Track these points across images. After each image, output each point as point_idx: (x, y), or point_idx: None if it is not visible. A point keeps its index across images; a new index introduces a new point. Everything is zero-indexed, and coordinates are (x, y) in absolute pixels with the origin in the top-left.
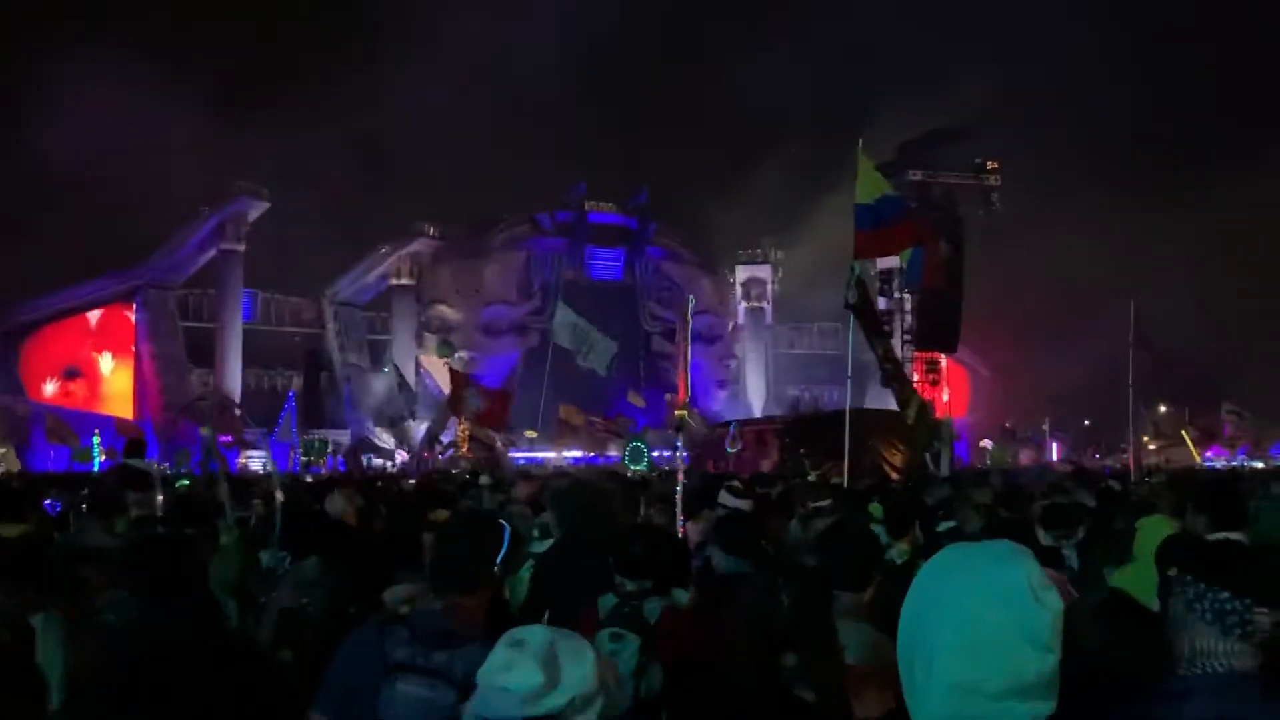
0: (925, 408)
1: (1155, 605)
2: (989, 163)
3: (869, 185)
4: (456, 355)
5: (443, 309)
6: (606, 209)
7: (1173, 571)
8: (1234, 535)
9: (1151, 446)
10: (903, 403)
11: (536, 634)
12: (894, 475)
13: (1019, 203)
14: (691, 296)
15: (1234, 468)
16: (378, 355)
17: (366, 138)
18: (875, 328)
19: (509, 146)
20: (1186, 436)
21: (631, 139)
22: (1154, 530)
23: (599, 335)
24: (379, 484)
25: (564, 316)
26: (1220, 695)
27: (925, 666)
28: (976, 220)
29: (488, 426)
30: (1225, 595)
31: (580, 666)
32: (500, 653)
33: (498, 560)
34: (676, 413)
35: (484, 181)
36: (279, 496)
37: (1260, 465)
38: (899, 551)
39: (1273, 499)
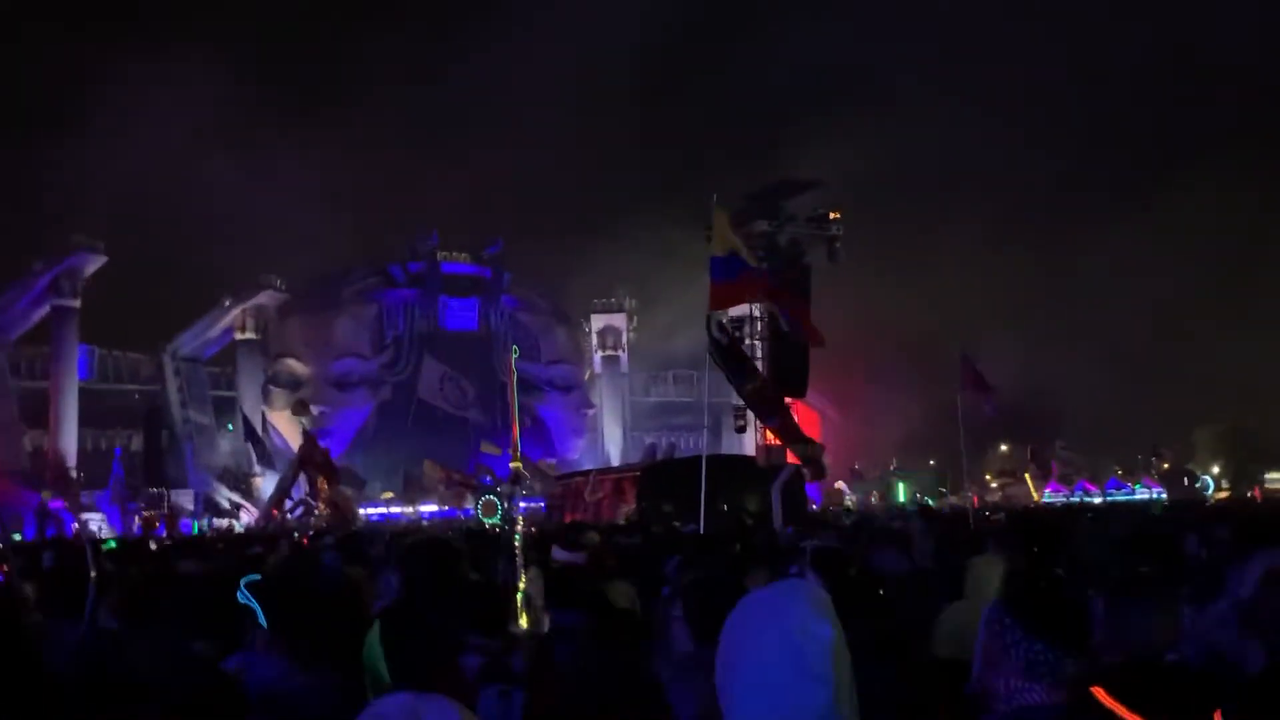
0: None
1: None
2: (832, 213)
3: (723, 238)
4: (307, 411)
5: (291, 363)
6: (460, 259)
7: (991, 610)
8: (1057, 570)
9: (994, 485)
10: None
11: (395, 702)
12: (749, 520)
13: (864, 251)
14: (516, 346)
15: (1069, 504)
16: (222, 412)
17: (207, 188)
18: (740, 368)
19: (360, 198)
20: (1028, 476)
21: (483, 191)
22: (984, 568)
23: (459, 380)
24: (220, 546)
25: (422, 364)
26: None
27: (728, 706)
28: (822, 268)
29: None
30: (1040, 646)
31: None
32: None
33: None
34: (512, 465)
35: (333, 233)
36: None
37: (1096, 501)
38: None
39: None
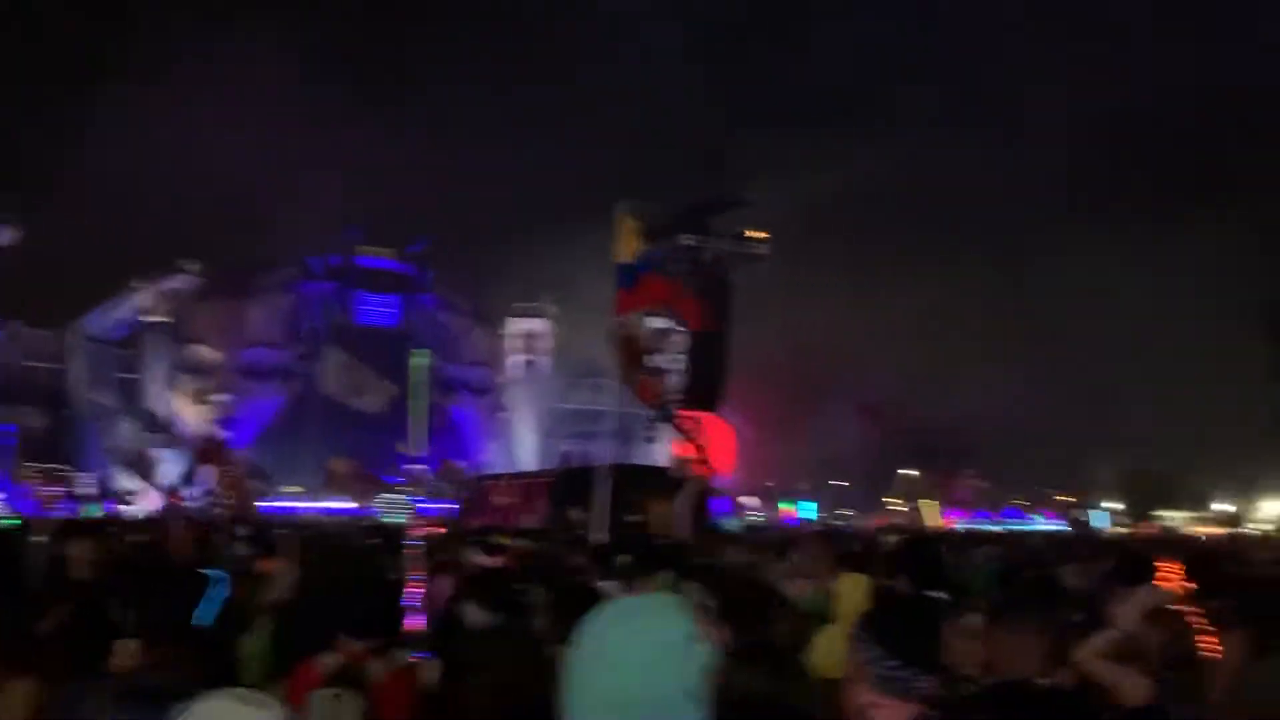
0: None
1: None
2: (757, 233)
3: (628, 245)
4: (214, 399)
5: (201, 350)
6: (383, 254)
7: (856, 628)
8: (935, 593)
9: (900, 508)
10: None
11: (209, 704)
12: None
13: (787, 272)
14: (420, 351)
15: (970, 531)
16: (128, 394)
17: (127, 166)
18: (636, 361)
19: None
20: (923, 502)
21: (410, 189)
22: (850, 587)
23: (373, 377)
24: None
25: (334, 358)
26: None
27: (581, 713)
28: (744, 286)
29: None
30: (895, 663)
31: None
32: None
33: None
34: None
35: (254, 222)
36: None
37: (993, 529)
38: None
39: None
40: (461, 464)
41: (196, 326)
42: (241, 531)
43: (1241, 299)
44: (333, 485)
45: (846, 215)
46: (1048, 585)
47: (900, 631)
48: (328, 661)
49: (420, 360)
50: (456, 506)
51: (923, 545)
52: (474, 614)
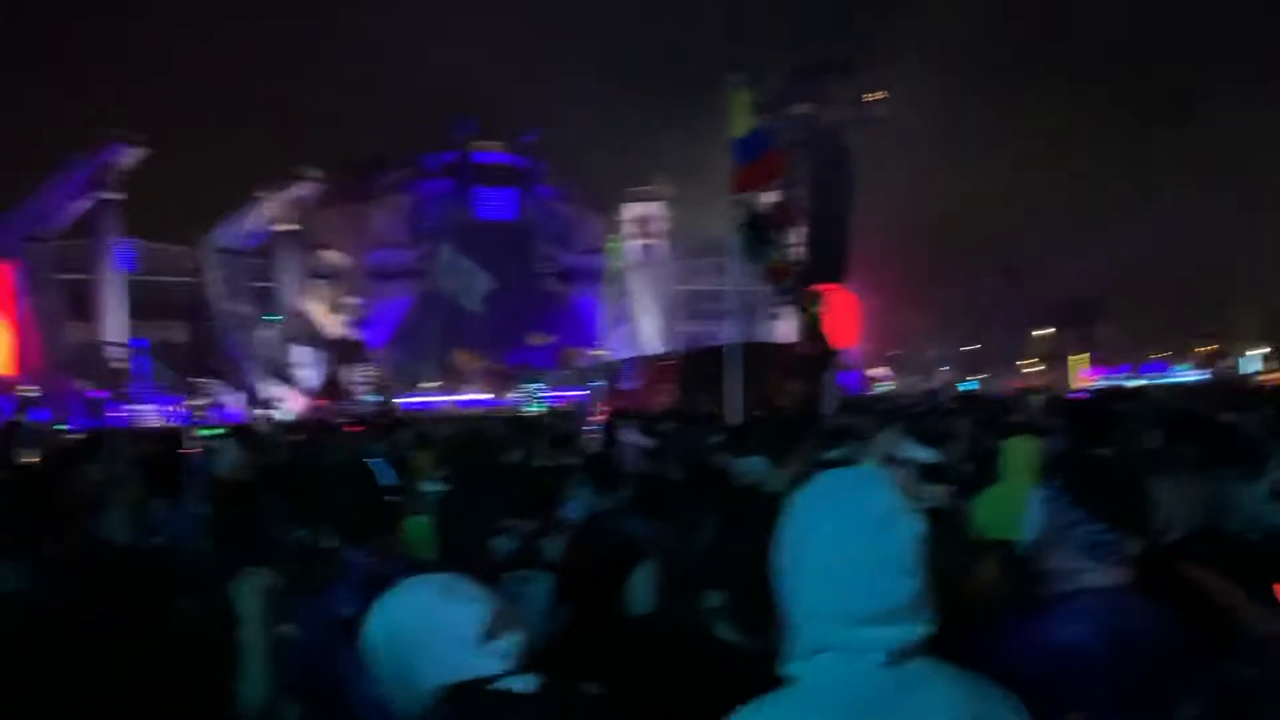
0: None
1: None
2: (876, 94)
3: (743, 120)
4: (346, 302)
5: (330, 254)
6: (494, 148)
7: (1048, 490)
8: (1102, 451)
9: (1034, 369)
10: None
11: (433, 579)
12: (784, 405)
13: (908, 133)
14: (614, 236)
15: (1111, 388)
16: (263, 302)
17: (245, 80)
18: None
19: (394, 86)
20: (1072, 359)
21: (519, 77)
22: (1018, 450)
23: (476, 271)
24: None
25: (446, 257)
26: (1097, 611)
27: (793, 595)
28: (864, 151)
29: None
30: (1101, 528)
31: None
32: (431, 599)
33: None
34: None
35: (368, 122)
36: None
37: (1140, 383)
38: (779, 480)
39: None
40: (584, 351)
41: (323, 231)
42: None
43: None
44: (465, 379)
45: (975, 66)
46: (1211, 435)
47: (1105, 493)
48: (505, 545)
49: (548, 250)
50: (582, 394)
51: (1085, 402)
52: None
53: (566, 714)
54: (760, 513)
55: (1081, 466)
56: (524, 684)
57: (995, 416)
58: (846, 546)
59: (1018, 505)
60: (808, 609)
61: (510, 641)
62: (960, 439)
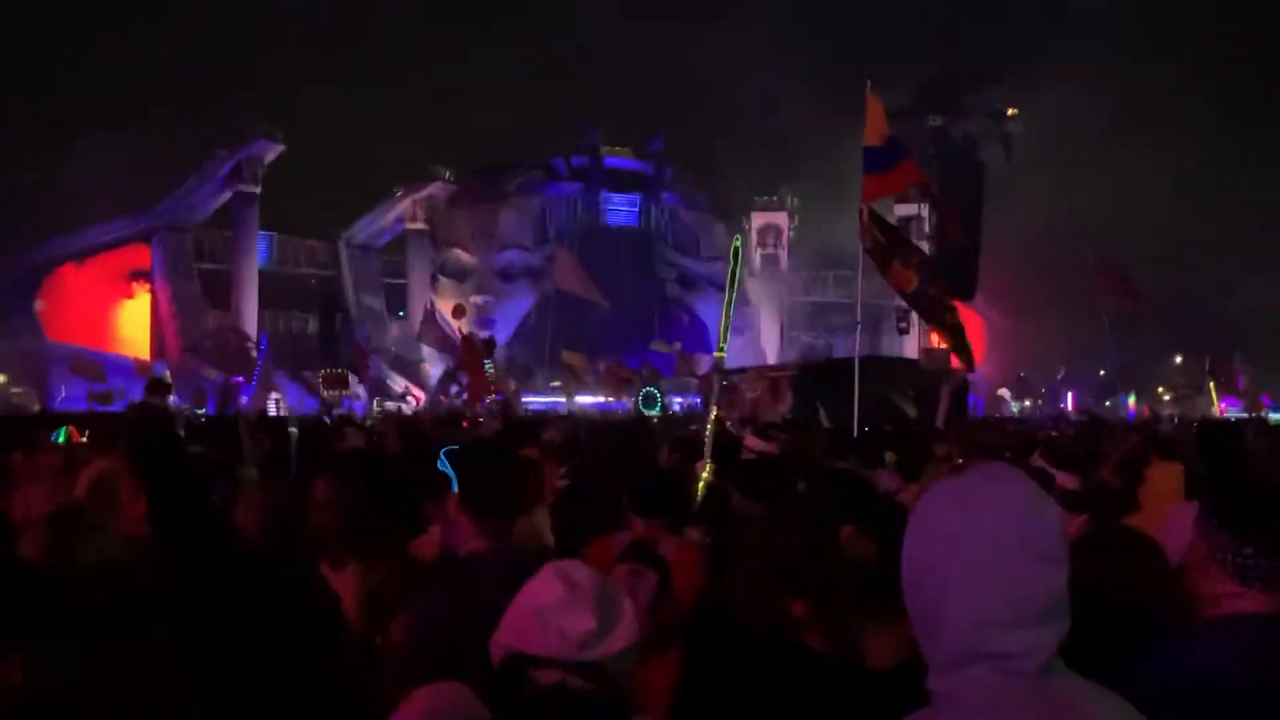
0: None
1: (1168, 548)
2: (1009, 109)
3: (877, 127)
4: (471, 301)
5: (458, 254)
6: (622, 154)
7: (1201, 513)
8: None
9: (1167, 398)
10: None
11: (584, 572)
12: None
13: (1041, 149)
14: (738, 235)
15: (1252, 419)
16: (393, 298)
17: (381, 81)
18: (894, 255)
19: (525, 89)
20: (1211, 386)
21: (646, 82)
22: (1160, 476)
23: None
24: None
25: (564, 260)
26: (1245, 636)
27: (936, 604)
28: (997, 166)
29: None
30: (1249, 550)
31: (625, 612)
32: (553, 587)
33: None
34: (717, 355)
35: (498, 125)
36: (294, 433)
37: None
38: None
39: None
40: (704, 357)
41: (453, 231)
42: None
43: None
44: (577, 380)
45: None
46: None
47: (1254, 517)
48: (621, 539)
49: (672, 257)
50: (700, 400)
51: (1220, 431)
52: (739, 501)
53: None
54: (895, 522)
55: (1230, 490)
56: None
57: (1134, 442)
58: (999, 540)
59: (1160, 531)
60: (956, 615)
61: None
62: (1100, 464)
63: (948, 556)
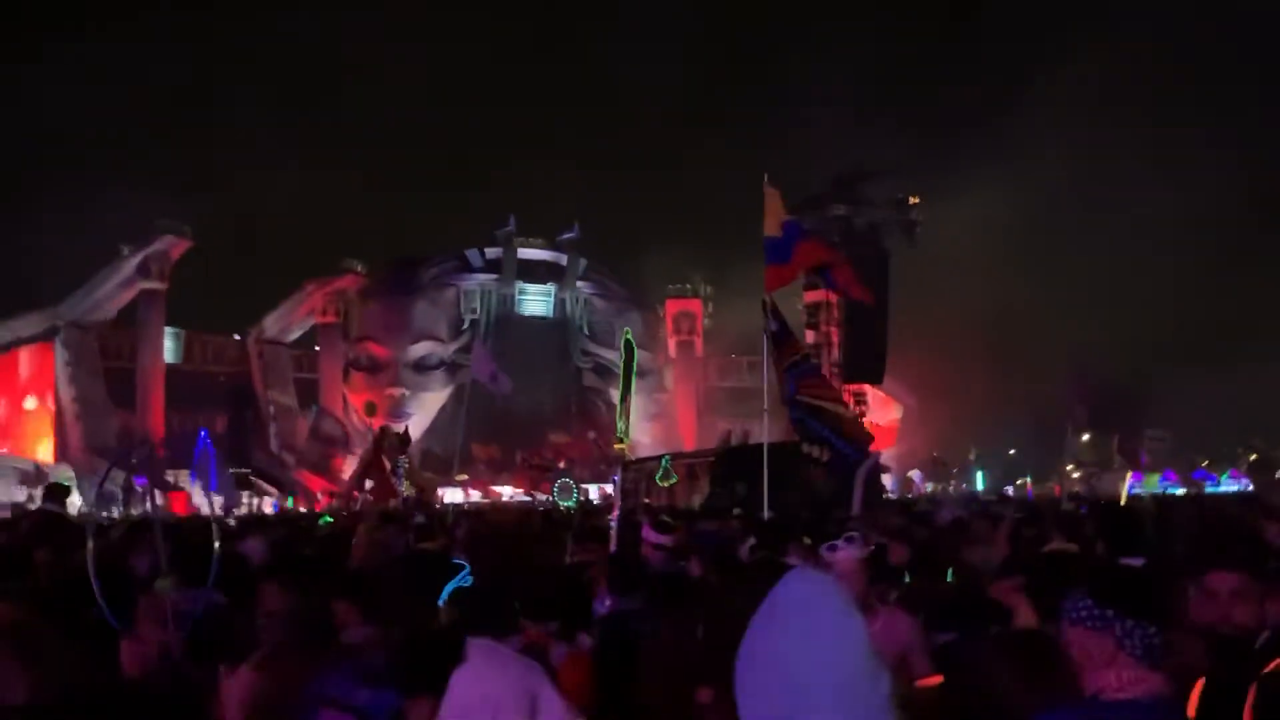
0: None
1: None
2: (911, 198)
3: (775, 217)
4: (385, 394)
5: (371, 346)
6: (536, 245)
7: (1085, 604)
8: (1133, 561)
9: (1075, 475)
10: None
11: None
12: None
13: (944, 237)
14: (628, 329)
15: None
16: (304, 394)
17: (289, 177)
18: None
19: (437, 182)
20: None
21: (559, 174)
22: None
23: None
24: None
25: (477, 351)
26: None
27: (807, 707)
28: (901, 255)
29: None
30: (1154, 630)
31: None
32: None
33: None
34: (616, 447)
35: (410, 218)
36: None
37: (1181, 491)
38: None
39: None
40: (619, 445)
41: (366, 324)
42: (419, 519)
43: None
44: (494, 473)
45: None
46: (1250, 545)
47: (1149, 597)
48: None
49: (587, 346)
50: (615, 488)
51: (1118, 510)
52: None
53: None
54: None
55: (1115, 576)
56: None
57: (1034, 523)
58: (837, 654)
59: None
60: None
61: None
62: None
63: (770, 668)
